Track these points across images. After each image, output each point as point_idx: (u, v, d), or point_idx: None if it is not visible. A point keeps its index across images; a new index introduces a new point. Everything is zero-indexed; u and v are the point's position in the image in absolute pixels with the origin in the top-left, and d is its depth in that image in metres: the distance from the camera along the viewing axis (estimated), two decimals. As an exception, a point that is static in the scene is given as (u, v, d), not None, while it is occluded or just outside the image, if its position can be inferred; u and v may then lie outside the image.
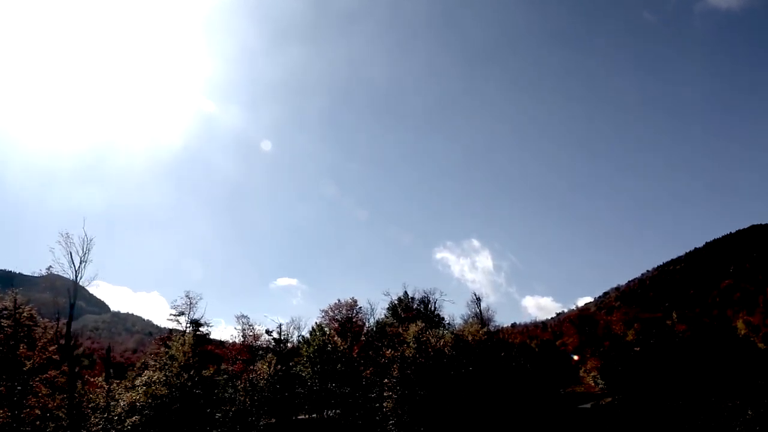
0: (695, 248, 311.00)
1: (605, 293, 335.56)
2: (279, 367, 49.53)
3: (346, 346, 52.66)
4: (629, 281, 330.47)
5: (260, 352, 54.47)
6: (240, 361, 51.43)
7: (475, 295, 61.57)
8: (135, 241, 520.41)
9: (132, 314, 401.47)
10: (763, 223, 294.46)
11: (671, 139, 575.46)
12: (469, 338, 50.37)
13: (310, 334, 57.64)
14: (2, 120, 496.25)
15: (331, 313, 57.48)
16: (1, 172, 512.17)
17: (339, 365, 50.46)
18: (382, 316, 68.01)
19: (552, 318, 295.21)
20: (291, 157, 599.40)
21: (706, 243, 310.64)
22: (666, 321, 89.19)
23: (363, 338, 56.63)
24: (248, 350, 53.32)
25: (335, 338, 53.22)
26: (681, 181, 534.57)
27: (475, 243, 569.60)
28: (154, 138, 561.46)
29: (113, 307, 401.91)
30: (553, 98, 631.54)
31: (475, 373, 47.50)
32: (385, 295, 75.15)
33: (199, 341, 42.78)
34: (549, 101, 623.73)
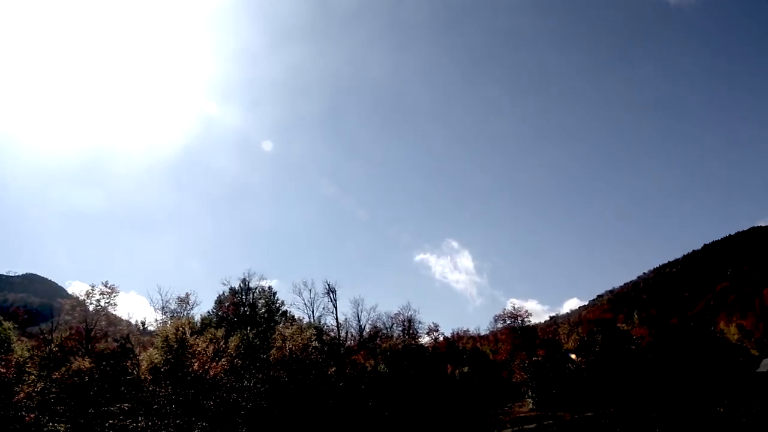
0: (693, 251, 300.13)
1: (599, 296, 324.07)
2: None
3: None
4: (624, 284, 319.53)
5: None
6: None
7: (328, 285, 47.31)
8: (134, 242, 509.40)
9: (113, 315, 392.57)
10: (763, 224, 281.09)
11: (671, 139, 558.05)
12: (286, 345, 35.50)
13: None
14: (2, 120, 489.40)
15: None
16: (1, 171, 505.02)
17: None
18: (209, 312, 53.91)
19: (545, 321, 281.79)
20: (292, 157, 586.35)
21: (705, 245, 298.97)
22: (618, 324, 74.05)
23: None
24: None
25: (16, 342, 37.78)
26: (680, 181, 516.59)
27: (454, 244, 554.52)
28: (154, 139, 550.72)
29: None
30: (548, 98, 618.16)
31: (282, 397, 32.62)
32: (223, 284, 61.16)
33: None
34: (545, 101, 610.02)
